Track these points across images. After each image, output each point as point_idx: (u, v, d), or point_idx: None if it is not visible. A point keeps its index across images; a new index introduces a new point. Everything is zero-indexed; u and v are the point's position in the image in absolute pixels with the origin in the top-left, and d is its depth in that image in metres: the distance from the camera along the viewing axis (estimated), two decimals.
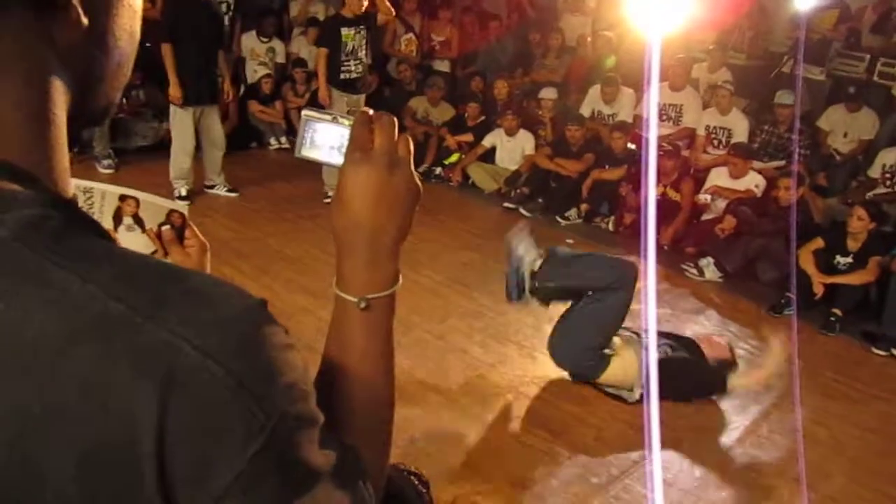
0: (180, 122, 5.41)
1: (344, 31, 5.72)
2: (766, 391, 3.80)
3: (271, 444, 0.48)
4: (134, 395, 0.44)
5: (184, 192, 5.46)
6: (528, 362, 3.81)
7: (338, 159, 0.76)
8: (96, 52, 0.55)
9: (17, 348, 0.44)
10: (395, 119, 0.74)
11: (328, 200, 6.17)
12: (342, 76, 5.79)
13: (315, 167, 5.81)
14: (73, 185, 1.14)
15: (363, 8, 5.68)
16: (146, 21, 0.61)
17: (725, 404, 3.64)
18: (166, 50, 5.16)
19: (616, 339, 3.59)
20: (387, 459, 0.75)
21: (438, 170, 6.96)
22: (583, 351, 3.52)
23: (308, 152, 0.79)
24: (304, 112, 0.79)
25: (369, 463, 0.66)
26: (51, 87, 0.52)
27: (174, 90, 5.22)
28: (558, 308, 4.28)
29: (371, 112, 0.73)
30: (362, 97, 5.93)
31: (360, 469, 0.63)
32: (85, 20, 0.51)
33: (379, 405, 0.74)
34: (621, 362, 3.52)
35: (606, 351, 3.53)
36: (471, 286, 4.58)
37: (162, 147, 6.35)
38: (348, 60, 5.78)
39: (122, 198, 1.11)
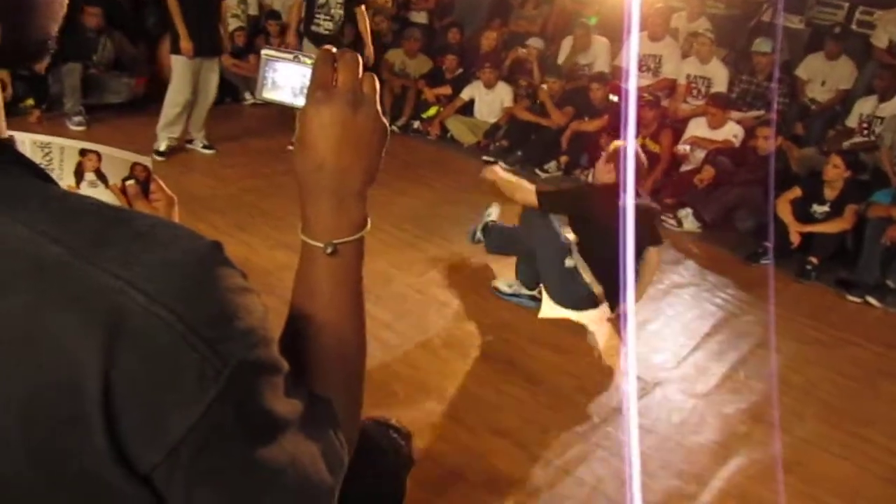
0: (182, 74, 5.31)
1: None
2: (743, 338, 3.86)
3: (228, 393, 0.46)
4: (76, 341, 0.41)
5: (163, 148, 5.37)
6: (508, 314, 3.83)
7: (301, 100, 0.73)
8: None
9: None
10: (359, 56, 0.70)
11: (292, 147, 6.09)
12: (312, 27, 5.77)
13: (290, 119, 5.73)
14: (30, 141, 1.10)
15: None
16: None
17: (703, 352, 3.69)
18: (172, 3, 5.07)
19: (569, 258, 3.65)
20: (359, 409, 0.73)
21: (416, 123, 6.89)
22: (561, 284, 3.64)
23: (269, 94, 0.76)
24: (263, 52, 0.75)
25: (340, 413, 0.64)
26: None
27: (184, 42, 5.13)
28: None
29: (333, 50, 0.69)
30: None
31: (331, 418, 0.61)
32: None
33: (349, 353, 0.71)
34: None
35: (567, 263, 3.62)
36: (450, 239, 4.57)
37: (135, 104, 6.22)
38: (320, 13, 5.74)
39: (83, 152, 1.07)
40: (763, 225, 4.83)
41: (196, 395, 0.45)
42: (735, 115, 5.92)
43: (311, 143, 0.68)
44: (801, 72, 6.44)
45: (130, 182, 1.10)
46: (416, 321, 3.62)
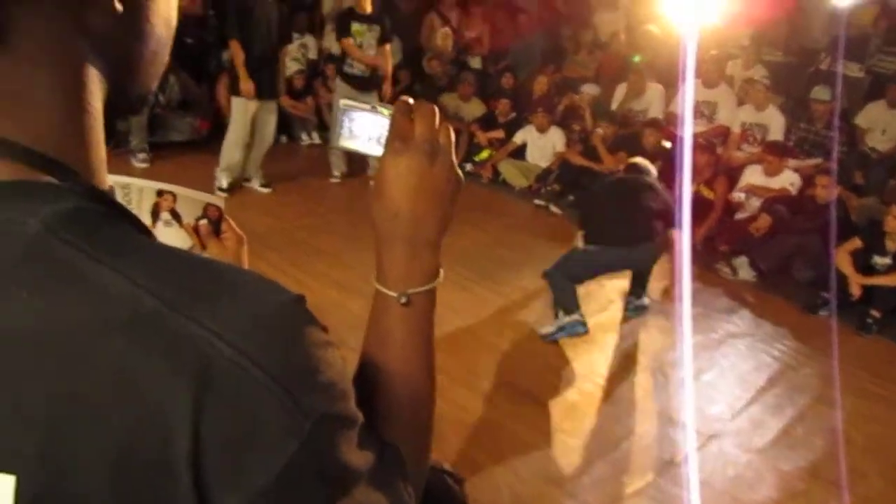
0: (241, 115, 5.46)
1: (354, 25, 5.81)
2: (801, 392, 3.75)
3: (309, 446, 0.46)
4: (167, 393, 0.42)
5: (225, 185, 5.52)
6: (558, 359, 3.80)
7: (376, 149, 0.74)
8: (131, 39, 0.54)
9: (50, 343, 0.42)
10: (436, 108, 0.71)
11: (334, 179, 6.27)
12: (346, 69, 5.92)
13: (346, 163, 5.79)
14: (112, 181, 1.15)
15: (368, 9, 5.79)
16: (185, 16, 0.60)
17: (759, 405, 3.59)
18: (235, 46, 5.24)
19: None
20: (426, 459, 0.72)
21: (469, 166, 6.95)
22: None
23: (346, 142, 0.77)
24: (342, 101, 0.77)
25: (409, 462, 0.64)
26: (86, 76, 0.51)
27: (244, 84, 5.29)
28: (590, 308, 4.27)
29: (411, 101, 0.71)
30: (373, 96, 5.96)
31: (400, 469, 0.61)
32: (119, 6, 0.50)
33: (419, 403, 0.71)
34: None
35: None
36: (501, 282, 4.57)
37: (196, 142, 6.42)
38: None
39: (160, 193, 1.11)
40: (821, 275, 4.72)
41: (279, 446, 0.45)
42: (792, 163, 5.83)
43: (387, 192, 0.69)
44: (861, 120, 6.33)
45: (203, 221, 1.13)
46: (466, 363, 3.61)
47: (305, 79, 7.36)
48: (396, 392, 0.69)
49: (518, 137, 6.86)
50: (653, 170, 4.37)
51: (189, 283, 0.46)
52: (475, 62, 8.17)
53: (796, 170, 5.75)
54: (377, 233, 0.72)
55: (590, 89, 7.13)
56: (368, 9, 5.81)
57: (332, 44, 7.88)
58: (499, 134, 7.05)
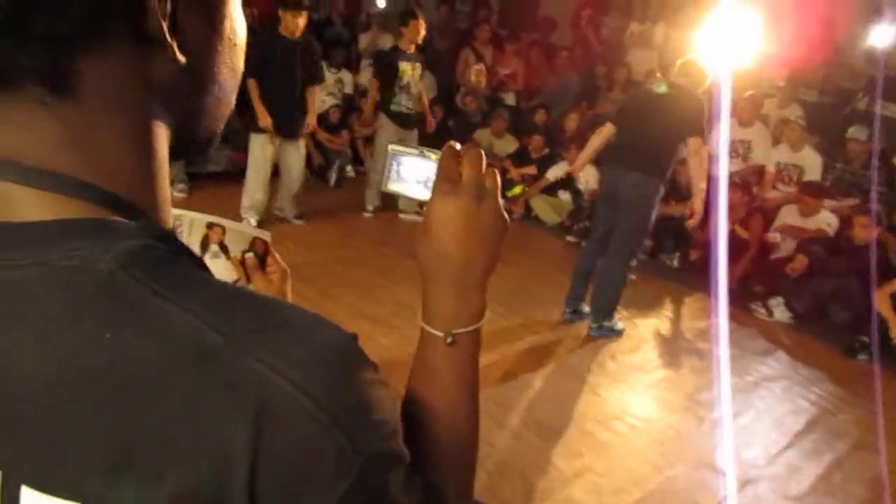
0: (259, 152, 5.38)
1: (402, 64, 5.85)
2: (840, 438, 3.66)
3: (361, 483, 0.47)
4: (228, 427, 0.43)
5: (253, 223, 5.52)
6: (592, 398, 3.75)
7: (423, 193, 0.76)
8: (196, 88, 0.55)
9: (118, 378, 0.44)
10: (483, 152, 0.73)
11: (367, 214, 6.31)
12: (393, 108, 5.93)
13: (381, 196, 5.85)
14: None
15: (421, 36, 5.80)
16: None
17: (795, 451, 3.51)
18: (251, 84, 5.17)
19: None
20: (469, 497, 0.73)
21: (501, 201, 6.96)
22: None
23: (394, 186, 0.79)
24: (390, 146, 0.79)
25: (450, 501, 0.65)
26: (152, 123, 0.53)
27: (262, 119, 5.21)
28: (622, 346, 4.24)
29: (458, 146, 0.73)
30: (414, 134, 6.03)
31: None
32: (181, 58, 0.52)
33: (462, 442, 0.71)
34: None
35: None
36: (532, 318, 4.55)
37: (230, 174, 6.53)
38: (401, 94, 5.90)
39: (210, 225, 1.14)
40: (860, 318, 4.63)
41: (332, 483, 0.46)
42: (829, 203, 5.75)
43: (435, 233, 0.71)
44: None
45: (249, 255, 1.15)
46: (495, 398, 3.58)
47: (341, 113, 7.48)
48: (440, 430, 0.69)
49: (550, 173, 6.87)
50: None
51: (249, 319, 0.47)
52: (509, 98, 8.24)
53: (833, 210, 5.68)
54: (424, 273, 0.73)
55: None
56: (423, 32, 5.82)
57: (367, 79, 8.03)
58: (531, 170, 7.07)
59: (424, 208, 0.73)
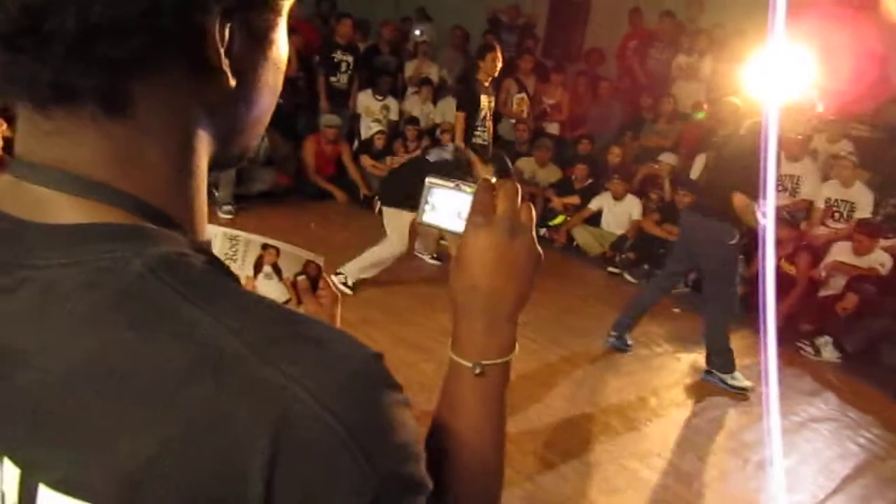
0: (403, 229, 5.00)
1: (483, 98, 5.92)
2: (890, 485, 3.53)
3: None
4: (246, 435, 0.44)
5: (350, 283, 5.08)
6: (631, 433, 3.69)
7: (459, 226, 0.76)
8: (241, 107, 0.58)
9: (142, 380, 0.45)
10: (518, 186, 0.73)
11: (422, 256, 6.26)
12: (474, 140, 5.97)
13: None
14: (222, 233, 1.20)
15: (497, 70, 5.86)
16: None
17: (843, 496, 3.39)
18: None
19: None
20: None
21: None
22: None
23: (430, 218, 0.79)
24: (427, 179, 0.79)
25: None
26: (195, 141, 0.55)
27: None
28: (664, 381, 4.17)
29: (494, 179, 0.73)
30: (488, 167, 6.06)
31: None
32: (233, 82, 0.54)
33: (488, 474, 0.71)
34: None
35: None
36: (572, 350, 4.51)
37: (275, 195, 6.62)
38: (480, 126, 5.97)
39: (265, 246, 1.15)
40: None
41: (347, 501, 0.46)
42: (884, 242, 5.61)
43: (467, 265, 0.71)
44: None
45: (302, 277, 1.16)
46: (534, 432, 3.55)
47: (386, 140, 7.56)
48: (466, 461, 0.69)
49: (594, 204, 6.84)
50: None
51: (273, 329, 0.48)
52: (552, 128, 8.25)
53: (886, 249, 5.54)
54: (455, 303, 0.74)
55: (668, 158, 7.09)
56: (500, 65, 5.86)
57: (412, 106, 8.12)
58: (574, 200, 7.04)
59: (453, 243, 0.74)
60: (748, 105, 6.70)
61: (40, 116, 0.50)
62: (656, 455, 3.52)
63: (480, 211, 0.71)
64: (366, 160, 7.40)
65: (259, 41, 0.56)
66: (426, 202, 0.79)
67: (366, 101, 7.92)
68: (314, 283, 1.16)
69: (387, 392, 0.49)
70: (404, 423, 0.50)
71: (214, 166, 0.60)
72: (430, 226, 0.80)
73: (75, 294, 0.47)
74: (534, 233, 0.73)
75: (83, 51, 0.47)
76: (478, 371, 0.70)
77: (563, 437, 3.57)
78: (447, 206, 0.78)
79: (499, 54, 5.88)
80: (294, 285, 1.16)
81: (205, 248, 0.53)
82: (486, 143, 6.03)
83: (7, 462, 0.48)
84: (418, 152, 7.40)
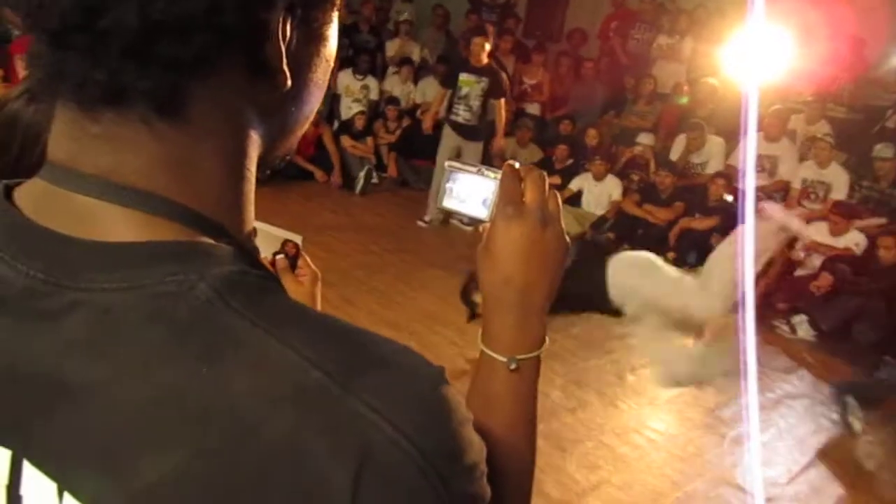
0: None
1: (463, 76, 6.08)
2: (864, 460, 3.61)
3: None
4: (329, 469, 0.42)
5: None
6: (610, 410, 3.74)
7: (480, 211, 0.75)
8: (293, 107, 0.55)
9: (216, 415, 0.42)
10: (545, 174, 0.72)
11: (422, 223, 6.34)
12: (451, 117, 6.16)
13: (402, 204, 5.87)
14: None
15: (482, 62, 6.02)
16: None
17: (817, 471, 3.46)
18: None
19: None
20: None
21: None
22: None
23: (450, 203, 0.78)
24: (447, 163, 0.78)
25: None
26: (248, 144, 0.53)
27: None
28: (641, 360, 4.21)
29: (517, 165, 0.71)
30: (471, 145, 6.15)
31: None
32: (290, 82, 0.51)
33: (522, 471, 0.70)
34: None
35: None
36: (552, 329, 4.51)
37: (276, 174, 6.57)
38: (460, 104, 6.12)
39: None
40: (885, 338, 4.57)
41: None
42: (858, 222, 5.69)
43: (499, 258, 0.69)
44: None
45: (280, 256, 1.16)
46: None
47: (366, 120, 7.52)
48: (502, 459, 0.67)
49: (574, 184, 6.87)
50: None
51: (348, 355, 0.46)
52: (533, 108, 8.24)
53: (861, 229, 5.62)
54: (487, 297, 0.72)
55: (645, 139, 7.11)
56: (484, 60, 6.04)
57: (393, 86, 8.08)
58: (555, 180, 7.06)
59: (482, 228, 0.72)
60: (727, 86, 6.76)
61: (86, 118, 0.47)
62: (634, 431, 3.57)
63: (510, 201, 0.69)
64: (346, 140, 7.37)
65: (314, 38, 0.54)
66: (446, 186, 0.77)
67: (346, 80, 7.87)
68: (293, 263, 1.16)
69: (457, 411, 0.48)
70: (472, 441, 0.49)
71: (258, 168, 0.57)
72: (451, 211, 0.78)
73: (139, 322, 0.44)
74: (562, 222, 0.72)
75: (142, 50, 0.44)
76: (513, 366, 0.69)
77: (540, 413, 3.58)
78: (468, 191, 0.76)
79: (481, 40, 5.99)
80: (273, 265, 1.15)
81: (257, 259, 0.51)
82: (466, 122, 6.10)
83: (69, 498, 0.44)
84: (398, 133, 7.41)
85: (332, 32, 0.56)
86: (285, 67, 0.50)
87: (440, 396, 0.47)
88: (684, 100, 7.42)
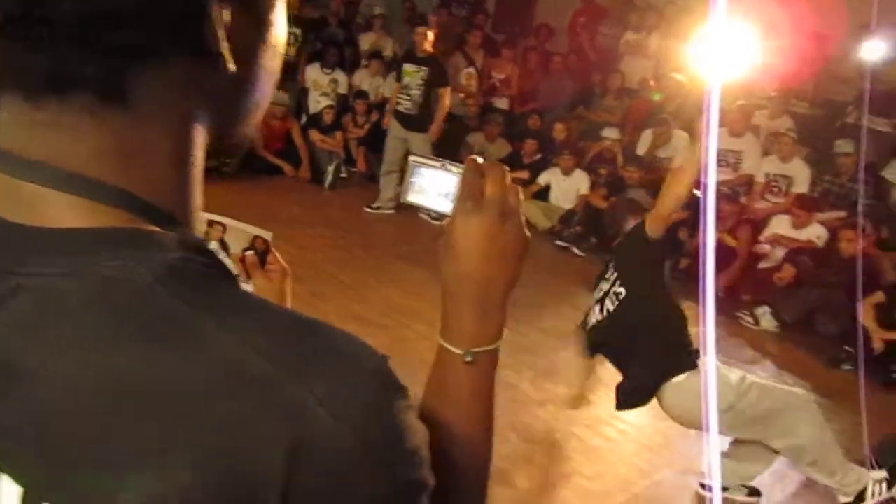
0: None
1: (406, 66, 6.22)
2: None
3: None
4: (265, 456, 0.42)
5: None
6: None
7: (444, 206, 0.75)
8: (240, 94, 0.56)
9: (154, 396, 0.42)
10: (506, 168, 0.72)
11: (371, 210, 6.34)
12: (396, 107, 6.32)
13: (371, 199, 5.84)
14: None
15: (425, 51, 6.17)
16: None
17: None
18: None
19: None
20: None
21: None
22: None
23: (414, 197, 0.78)
24: (411, 157, 0.79)
25: None
26: (195, 131, 0.53)
27: None
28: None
29: (480, 160, 0.72)
30: (417, 136, 6.15)
31: None
32: (233, 67, 0.51)
33: (478, 465, 0.70)
34: None
35: None
36: (521, 321, 4.57)
37: (222, 172, 6.50)
38: (402, 93, 6.26)
39: (210, 223, 1.14)
40: (845, 329, 4.68)
41: None
42: (819, 215, 5.82)
43: (458, 252, 0.70)
44: (888, 174, 6.32)
45: (250, 253, 1.15)
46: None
47: (335, 114, 7.48)
48: (456, 452, 0.68)
49: (542, 178, 6.91)
50: None
51: (293, 342, 0.46)
52: (501, 103, 8.26)
53: (822, 222, 5.74)
54: (445, 290, 0.72)
55: (611, 133, 7.17)
56: (428, 48, 6.14)
57: (362, 80, 8.05)
58: (523, 174, 7.09)
59: (444, 221, 0.73)
60: (693, 81, 6.83)
61: (31, 107, 0.47)
62: (605, 423, 3.61)
63: (470, 195, 0.69)
64: (314, 134, 7.33)
65: (258, 24, 0.54)
66: (410, 181, 0.78)
67: (314, 74, 7.81)
68: (262, 259, 1.15)
69: (399, 399, 0.48)
70: (414, 427, 0.49)
71: (214, 155, 0.57)
72: (415, 206, 0.79)
73: (79, 306, 0.44)
74: (522, 217, 0.72)
75: (83, 38, 0.44)
76: (469, 359, 0.70)
77: (511, 405, 3.63)
78: (432, 185, 0.77)
79: (423, 30, 6.16)
80: (242, 261, 1.14)
81: (203, 247, 0.51)
82: (407, 111, 6.24)
83: (6, 479, 0.45)
84: (367, 127, 7.39)
85: (278, 18, 0.56)
86: (226, 52, 0.50)
87: (382, 383, 0.48)
88: (658, 96, 7.50)
